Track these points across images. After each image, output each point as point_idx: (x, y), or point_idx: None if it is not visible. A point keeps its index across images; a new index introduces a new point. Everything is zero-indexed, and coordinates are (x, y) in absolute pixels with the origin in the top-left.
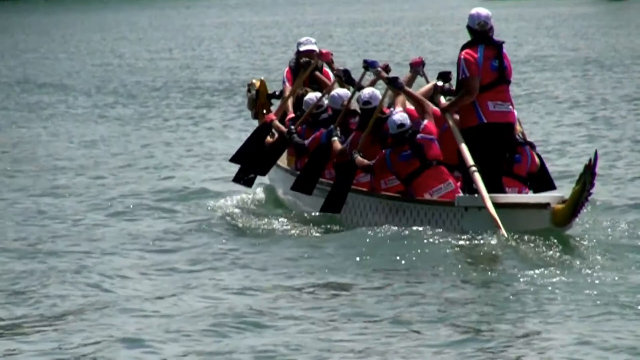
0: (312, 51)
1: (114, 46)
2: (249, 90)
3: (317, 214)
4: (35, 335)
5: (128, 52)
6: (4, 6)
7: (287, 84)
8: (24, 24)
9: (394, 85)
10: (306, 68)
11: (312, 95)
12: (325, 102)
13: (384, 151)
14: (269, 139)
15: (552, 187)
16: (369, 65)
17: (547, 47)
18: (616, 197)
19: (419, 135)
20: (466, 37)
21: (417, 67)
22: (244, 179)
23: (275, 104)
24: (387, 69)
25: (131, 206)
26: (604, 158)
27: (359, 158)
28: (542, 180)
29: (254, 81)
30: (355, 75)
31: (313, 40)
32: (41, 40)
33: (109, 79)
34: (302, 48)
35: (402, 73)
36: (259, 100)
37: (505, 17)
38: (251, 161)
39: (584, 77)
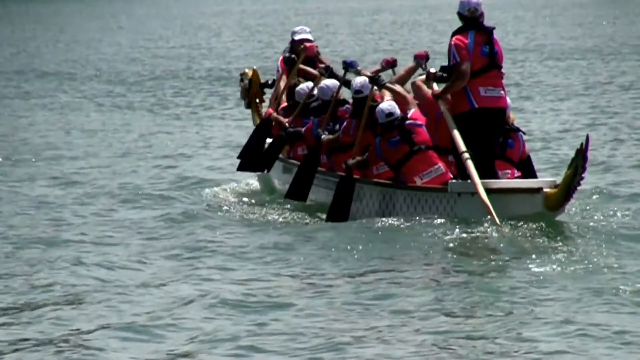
0: (307, 40)
1: (112, 35)
2: (241, 80)
3: (311, 202)
4: (33, 321)
5: (126, 41)
6: None
7: (282, 72)
8: (23, 13)
9: (376, 83)
10: (296, 60)
11: (304, 85)
12: (315, 92)
13: (374, 144)
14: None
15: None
16: (348, 65)
17: (545, 36)
18: (612, 185)
19: (407, 122)
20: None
21: (420, 60)
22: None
23: (268, 93)
24: (393, 63)
25: (130, 194)
26: (604, 146)
27: (351, 160)
28: (525, 169)
29: (246, 70)
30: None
31: (307, 29)
32: (40, 29)
33: (108, 68)
34: (296, 37)
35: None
36: (251, 89)
37: (503, 5)
38: (255, 159)
39: (584, 66)
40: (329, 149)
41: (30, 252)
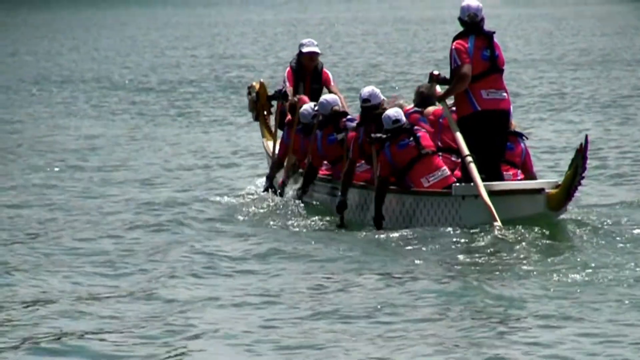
0: (315, 53)
1: (130, 43)
2: (249, 93)
3: (318, 208)
4: (40, 322)
5: (143, 49)
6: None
7: (288, 84)
8: (50, 21)
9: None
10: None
11: (307, 107)
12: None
13: (383, 150)
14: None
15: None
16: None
17: (568, 46)
18: (615, 186)
19: (414, 127)
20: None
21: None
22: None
23: (275, 104)
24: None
25: (136, 201)
26: (620, 154)
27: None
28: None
29: (253, 84)
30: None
31: (315, 42)
32: (60, 37)
33: (132, 75)
34: (304, 50)
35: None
36: (259, 102)
37: (527, 17)
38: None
39: (604, 77)
40: (351, 169)
41: (52, 253)
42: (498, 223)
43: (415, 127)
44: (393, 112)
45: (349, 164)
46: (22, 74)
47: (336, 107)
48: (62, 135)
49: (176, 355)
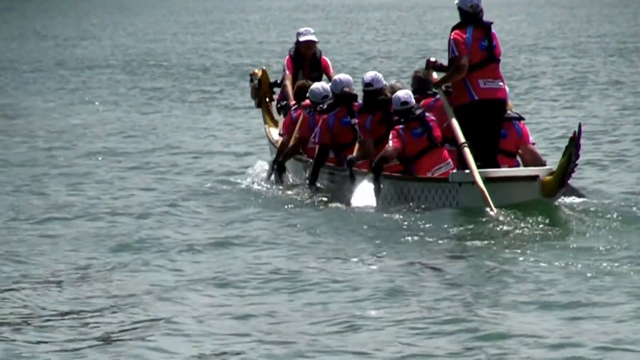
0: (311, 42)
1: (144, 29)
2: (251, 80)
3: (320, 196)
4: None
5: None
6: None
7: (288, 72)
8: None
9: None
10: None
11: (319, 85)
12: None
13: (398, 127)
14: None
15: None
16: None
17: (582, 33)
18: (609, 171)
19: (427, 114)
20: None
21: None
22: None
23: (277, 92)
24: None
25: (148, 186)
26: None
27: (389, 150)
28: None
29: (256, 71)
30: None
31: (312, 30)
32: (78, 23)
33: (132, 61)
34: (301, 38)
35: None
36: (261, 89)
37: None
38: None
39: (619, 63)
40: (365, 154)
41: (64, 241)
42: (492, 208)
43: (427, 114)
44: (403, 93)
45: (363, 147)
46: (39, 57)
47: (346, 88)
48: (73, 120)
49: (164, 339)
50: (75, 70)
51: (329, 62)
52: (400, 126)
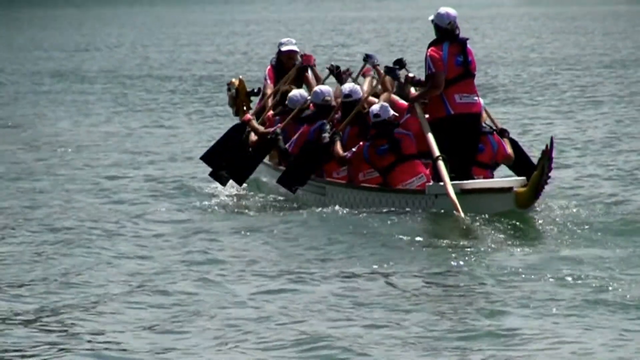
0: (293, 52)
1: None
2: (229, 89)
3: (297, 205)
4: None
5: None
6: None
7: (269, 82)
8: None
9: (391, 73)
10: (291, 68)
11: (297, 92)
12: (308, 98)
13: (361, 144)
14: (252, 137)
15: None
16: (367, 57)
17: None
18: (579, 183)
19: (396, 130)
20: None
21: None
22: (218, 176)
23: (255, 101)
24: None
25: (130, 193)
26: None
27: (337, 148)
28: (522, 164)
29: (233, 80)
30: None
31: (294, 40)
32: (74, 33)
33: (131, 70)
34: (283, 48)
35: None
36: (238, 98)
37: (541, 16)
38: (225, 162)
39: (618, 77)
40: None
41: (45, 246)
42: (461, 216)
43: (398, 130)
44: (377, 107)
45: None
46: (37, 68)
47: (328, 98)
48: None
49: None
50: (51, 79)
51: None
52: (367, 143)
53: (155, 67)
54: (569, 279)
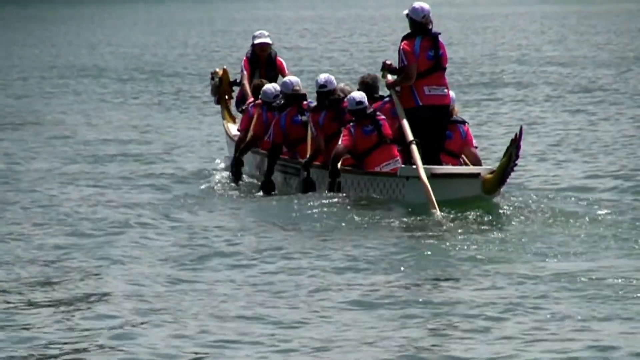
0: (265, 44)
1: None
2: (212, 78)
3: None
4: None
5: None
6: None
7: (245, 72)
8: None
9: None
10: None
11: (270, 86)
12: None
13: (349, 125)
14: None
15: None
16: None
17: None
18: (545, 170)
19: (378, 114)
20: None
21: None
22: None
23: (237, 90)
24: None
25: (121, 188)
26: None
27: (340, 148)
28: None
29: (217, 70)
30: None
31: (266, 33)
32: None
33: (123, 68)
34: (256, 41)
35: None
36: (221, 87)
37: (551, 15)
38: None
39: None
40: (317, 151)
41: (42, 243)
42: (437, 210)
43: (377, 113)
44: (358, 94)
45: (319, 143)
46: (36, 64)
47: (297, 87)
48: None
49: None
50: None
51: (284, 63)
52: (352, 124)
53: (164, 63)
54: (540, 269)
